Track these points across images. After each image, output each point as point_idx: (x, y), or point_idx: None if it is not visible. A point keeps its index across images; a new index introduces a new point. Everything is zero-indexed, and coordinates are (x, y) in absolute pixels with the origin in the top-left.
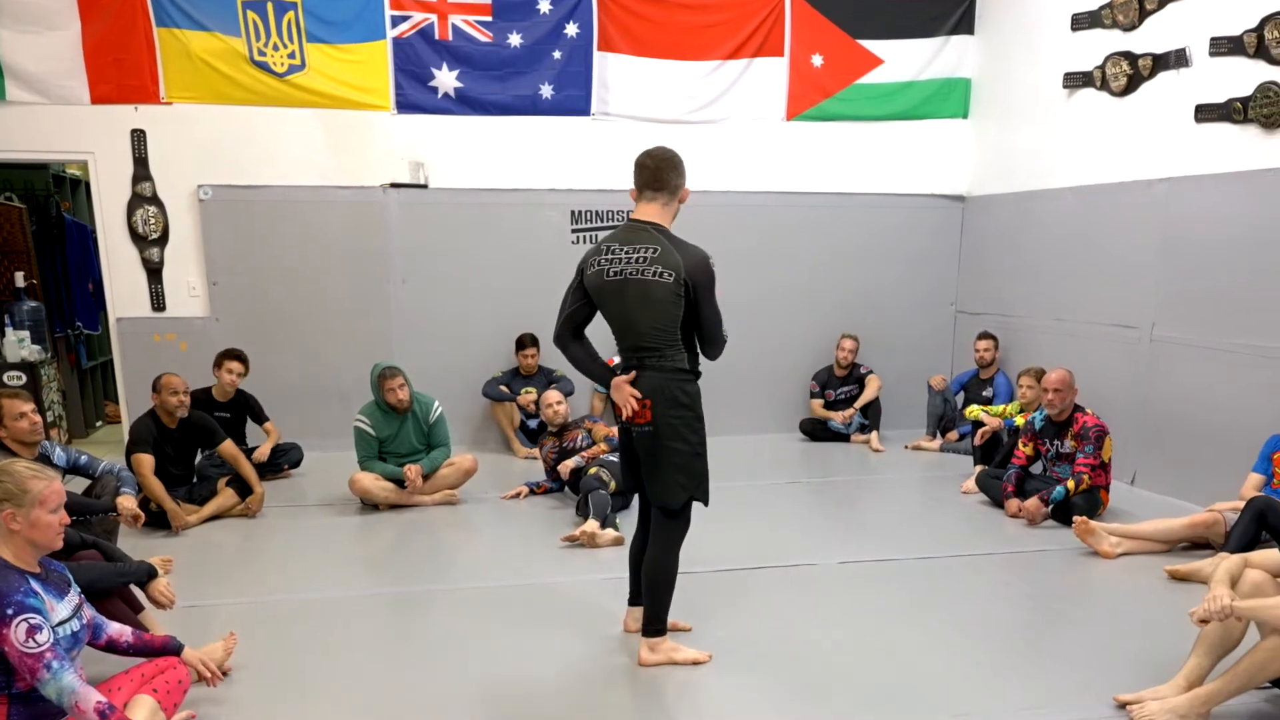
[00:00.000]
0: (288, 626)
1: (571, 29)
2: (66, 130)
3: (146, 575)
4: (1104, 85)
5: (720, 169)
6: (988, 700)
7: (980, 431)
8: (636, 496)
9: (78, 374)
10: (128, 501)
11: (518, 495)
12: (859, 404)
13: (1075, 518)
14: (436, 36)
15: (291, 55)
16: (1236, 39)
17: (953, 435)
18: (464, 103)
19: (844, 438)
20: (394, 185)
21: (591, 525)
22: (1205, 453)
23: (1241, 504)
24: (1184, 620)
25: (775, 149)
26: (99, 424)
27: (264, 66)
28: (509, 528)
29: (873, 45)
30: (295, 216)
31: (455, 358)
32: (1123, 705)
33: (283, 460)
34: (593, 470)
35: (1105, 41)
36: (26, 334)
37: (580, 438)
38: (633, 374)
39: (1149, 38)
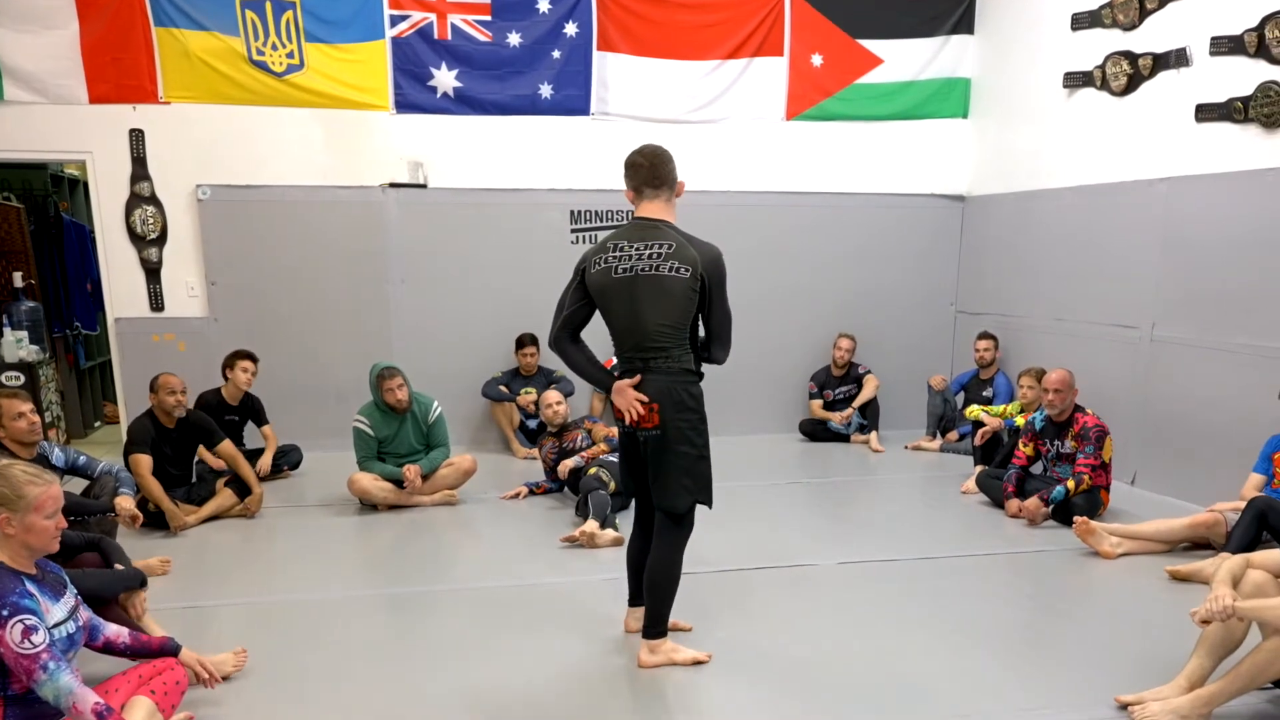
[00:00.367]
0: (287, 627)
1: (571, 28)
2: (65, 130)
3: (140, 583)
4: (1104, 85)
5: (720, 169)
6: (989, 701)
7: (980, 432)
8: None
9: (76, 374)
10: (126, 502)
11: (517, 495)
12: (857, 404)
13: (1076, 518)
14: (435, 36)
15: (290, 55)
16: (1237, 38)
17: (953, 435)
18: (463, 102)
19: (844, 438)
20: (393, 185)
21: (591, 525)
22: (1206, 453)
23: (1242, 504)
24: (1185, 620)
25: (775, 149)
26: (97, 424)
27: (262, 66)
28: (508, 528)
29: (872, 45)
30: (294, 216)
31: (454, 358)
32: (1124, 706)
33: (282, 462)
34: (592, 470)
35: (1105, 41)
36: (25, 334)
37: (580, 438)
38: (637, 378)
39: (1149, 37)
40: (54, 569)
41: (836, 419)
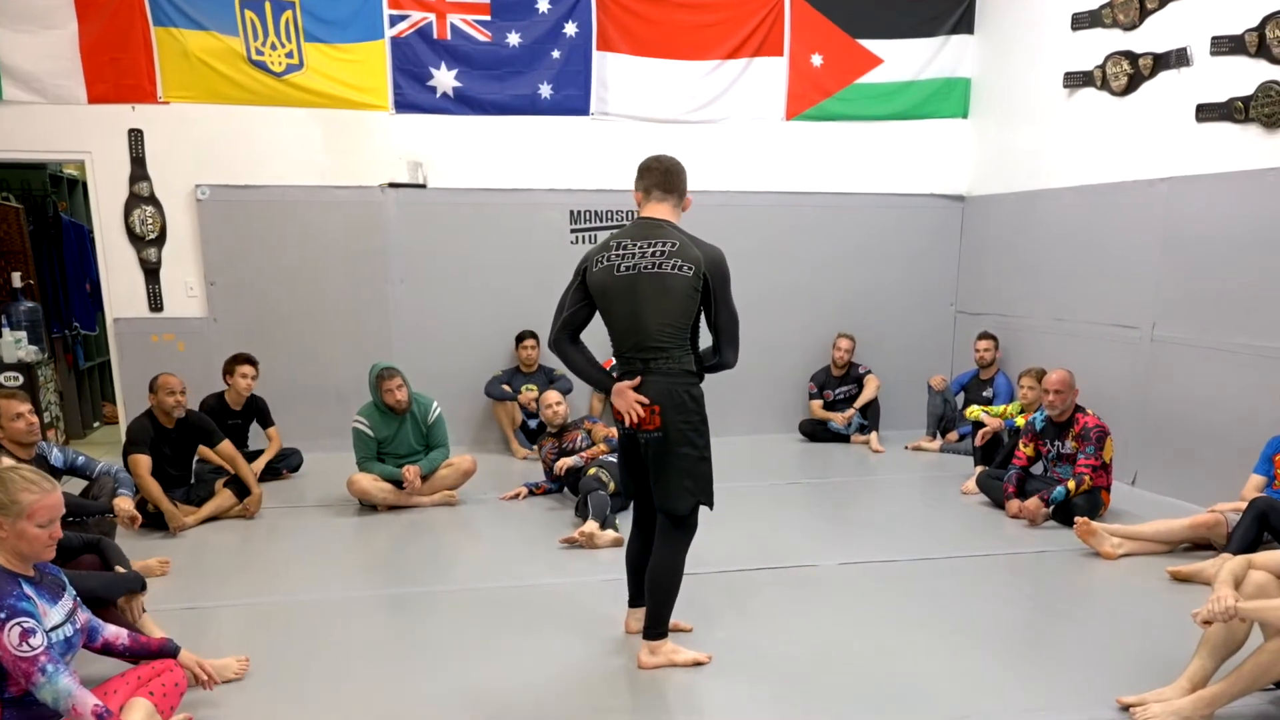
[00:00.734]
0: (286, 628)
1: (570, 28)
2: (63, 130)
3: (140, 586)
4: (1104, 85)
5: (719, 169)
6: (990, 702)
7: (981, 432)
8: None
9: (75, 374)
10: (124, 503)
11: (517, 496)
12: (858, 404)
13: (1076, 519)
14: (435, 36)
15: (289, 55)
16: (1238, 38)
17: (953, 436)
18: (462, 102)
19: (844, 438)
20: (392, 185)
21: (591, 526)
22: (1206, 453)
23: (1243, 505)
24: (1186, 621)
25: (775, 149)
26: (96, 424)
27: (262, 66)
28: (508, 529)
29: (872, 45)
30: (293, 216)
31: (454, 358)
32: (1126, 707)
33: (282, 465)
34: (592, 471)
35: (1106, 41)
36: (24, 334)
37: (579, 438)
38: (637, 379)
39: (1150, 37)
40: (52, 571)
41: (837, 419)
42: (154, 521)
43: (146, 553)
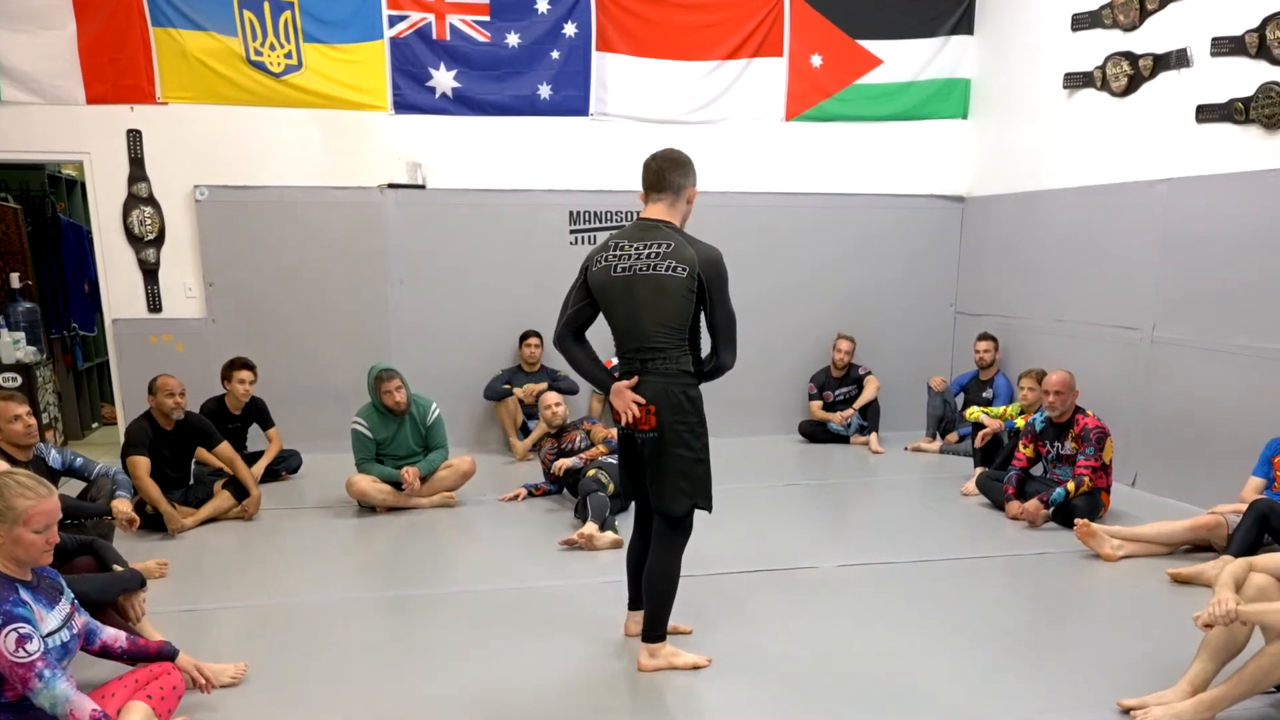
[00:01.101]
0: (285, 631)
1: (570, 29)
2: (62, 130)
3: (139, 584)
4: (1104, 85)
5: (719, 169)
6: (990, 705)
7: (981, 434)
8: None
9: (74, 375)
10: (122, 505)
11: (516, 497)
12: (857, 405)
13: (1076, 520)
14: (434, 36)
15: (288, 55)
16: (1238, 39)
17: (952, 437)
18: (462, 103)
19: (843, 439)
20: (391, 186)
21: (590, 528)
22: (1206, 454)
23: (1244, 507)
24: (1187, 624)
25: (774, 149)
26: (95, 425)
27: (260, 66)
28: (507, 530)
29: (872, 45)
30: (292, 217)
31: (453, 359)
32: (1127, 711)
33: (281, 467)
34: (591, 472)
35: (1106, 41)
36: (22, 335)
37: (579, 439)
38: (635, 379)
39: (1150, 38)
40: (50, 575)
41: (836, 419)
42: (152, 523)
43: (145, 554)
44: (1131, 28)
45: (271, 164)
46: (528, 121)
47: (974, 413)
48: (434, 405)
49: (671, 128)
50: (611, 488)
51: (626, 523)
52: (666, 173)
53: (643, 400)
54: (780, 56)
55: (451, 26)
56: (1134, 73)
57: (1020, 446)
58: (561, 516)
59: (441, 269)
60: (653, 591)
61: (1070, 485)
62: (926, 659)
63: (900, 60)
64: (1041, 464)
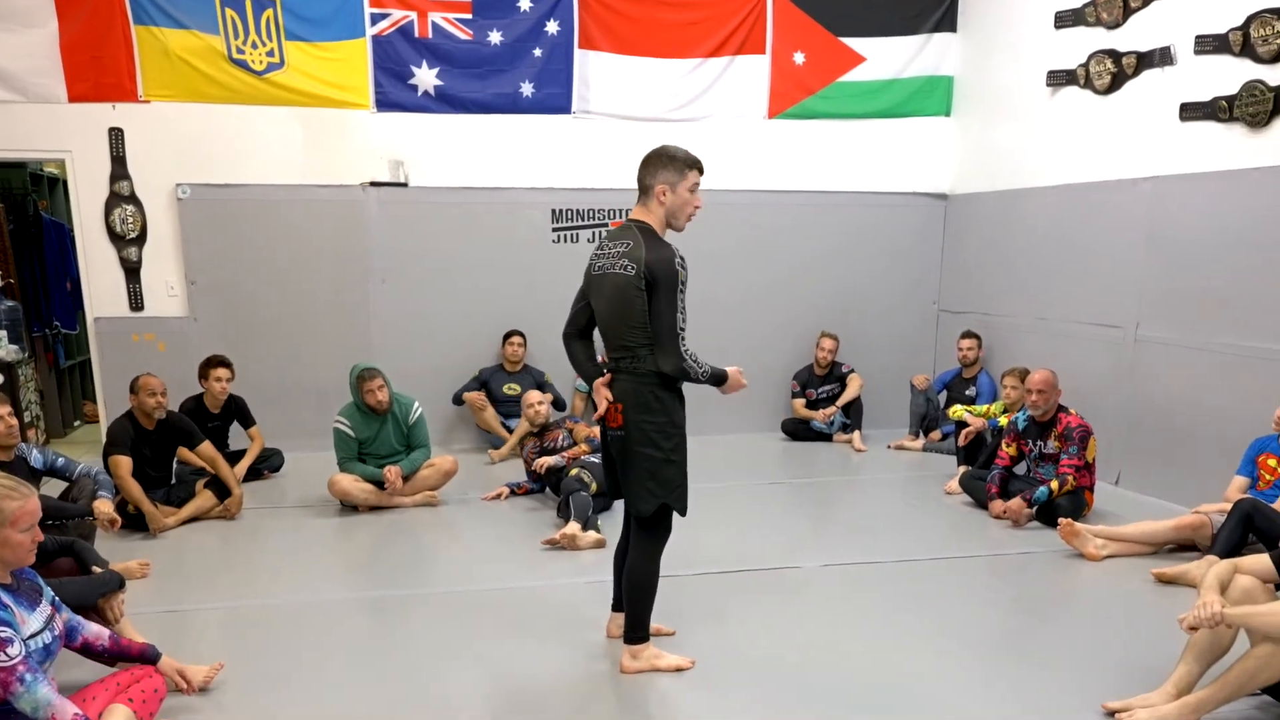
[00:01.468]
0: (266, 632)
1: (552, 26)
2: (44, 129)
3: (118, 586)
4: (1088, 83)
5: None
6: (974, 708)
7: (964, 432)
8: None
9: (56, 373)
10: (104, 506)
11: (498, 496)
12: (840, 403)
13: (1060, 520)
14: (416, 34)
15: (270, 53)
16: (1222, 37)
17: (935, 435)
18: (444, 101)
19: (826, 437)
20: (374, 184)
21: (573, 528)
22: (1190, 453)
23: (1228, 506)
24: (1172, 624)
25: (757, 147)
26: (77, 423)
27: (242, 65)
28: (490, 530)
29: (855, 43)
30: (274, 215)
31: (435, 358)
32: (1111, 713)
33: (263, 465)
34: (574, 471)
35: (1089, 39)
36: (4, 333)
37: (561, 438)
38: (609, 376)
39: (1133, 35)
40: (29, 576)
41: (819, 417)
42: (134, 523)
43: (127, 554)
44: (1115, 25)
45: (254, 162)
46: (510, 119)
47: (957, 411)
48: (416, 404)
49: (654, 125)
50: (594, 487)
51: (609, 522)
52: (641, 172)
53: (611, 397)
54: (763, 54)
55: (434, 24)
56: (1117, 70)
57: (1003, 445)
58: (544, 516)
59: (424, 267)
60: (632, 592)
61: (1054, 484)
62: (910, 660)
63: (883, 58)
64: (1025, 463)
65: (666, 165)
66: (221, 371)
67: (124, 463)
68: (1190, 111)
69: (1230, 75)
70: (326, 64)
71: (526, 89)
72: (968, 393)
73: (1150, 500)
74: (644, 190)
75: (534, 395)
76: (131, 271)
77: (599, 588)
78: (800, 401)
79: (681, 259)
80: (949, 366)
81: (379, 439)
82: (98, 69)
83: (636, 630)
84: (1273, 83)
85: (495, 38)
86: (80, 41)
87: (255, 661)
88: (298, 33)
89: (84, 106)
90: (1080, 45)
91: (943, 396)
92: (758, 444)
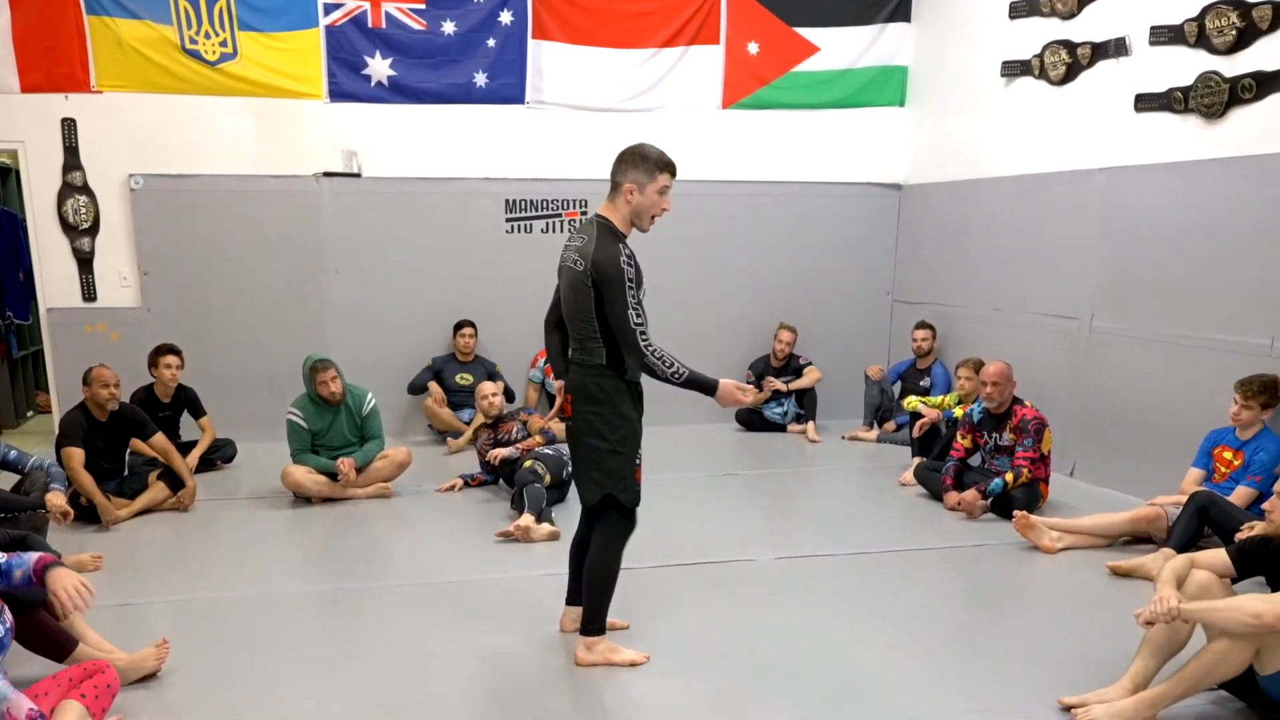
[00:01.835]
0: (219, 625)
1: (505, 17)
2: None
3: None
4: (1042, 74)
5: None
6: (928, 702)
7: (919, 423)
8: None
9: (8, 364)
10: (56, 498)
11: (452, 488)
12: (795, 385)
13: (1015, 512)
14: (369, 24)
15: (223, 43)
16: (1177, 28)
17: (890, 426)
18: (397, 91)
19: (780, 428)
20: (327, 174)
21: (527, 520)
22: (1145, 444)
23: (1183, 499)
24: (1127, 618)
25: (711, 137)
26: (30, 414)
27: (195, 55)
28: (443, 522)
29: (809, 33)
30: (227, 205)
31: (389, 348)
32: (1067, 708)
33: (216, 456)
34: (528, 463)
35: (1044, 30)
36: None
37: (515, 430)
38: (565, 369)
39: (1088, 26)
40: None
41: (767, 385)
42: (87, 515)
43: (80, 547)
44: (1070, 16)
45: (207, 153)
46: (463, 110)
47: (912, 402)
48: (369, 396)
49: (607, 116)
50: (548, 479)
51: (564, 514)
52: (613, 167)
53: (562, 387)
54: (717, 44)
55: (387, 14)
56: (1072, 61)
57: (958, 437)
58: (498, 507)
59: (377, 258)
60: (590, 583)
61: (1009, 477)
62: (865, 654)
63: (837, 48)
64: (980, 454)
65: (638, 165)
66: (171, 359)
67: (76, 454)
68: (1145, 103)
69: (1185, 66)
70: (279, 54)
71: (480, 79)
72: (922, 383)
73: (1105, 492)
74: (613, 186)
75: (488, 387)
76: (84, 262)
77: (553, 580)
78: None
79: (629, 256)
80: (903, 357)
81: (332, 430)
82: (50, 59)
83: (593, 623)
84: (1228, 74)
85: (449, 28)
86: (32, 31)
87: (208, 655)
88: (251, 23)
89: (36, 97)
90: (1035, 36)
91: (897, 387)
92: (712, 434)
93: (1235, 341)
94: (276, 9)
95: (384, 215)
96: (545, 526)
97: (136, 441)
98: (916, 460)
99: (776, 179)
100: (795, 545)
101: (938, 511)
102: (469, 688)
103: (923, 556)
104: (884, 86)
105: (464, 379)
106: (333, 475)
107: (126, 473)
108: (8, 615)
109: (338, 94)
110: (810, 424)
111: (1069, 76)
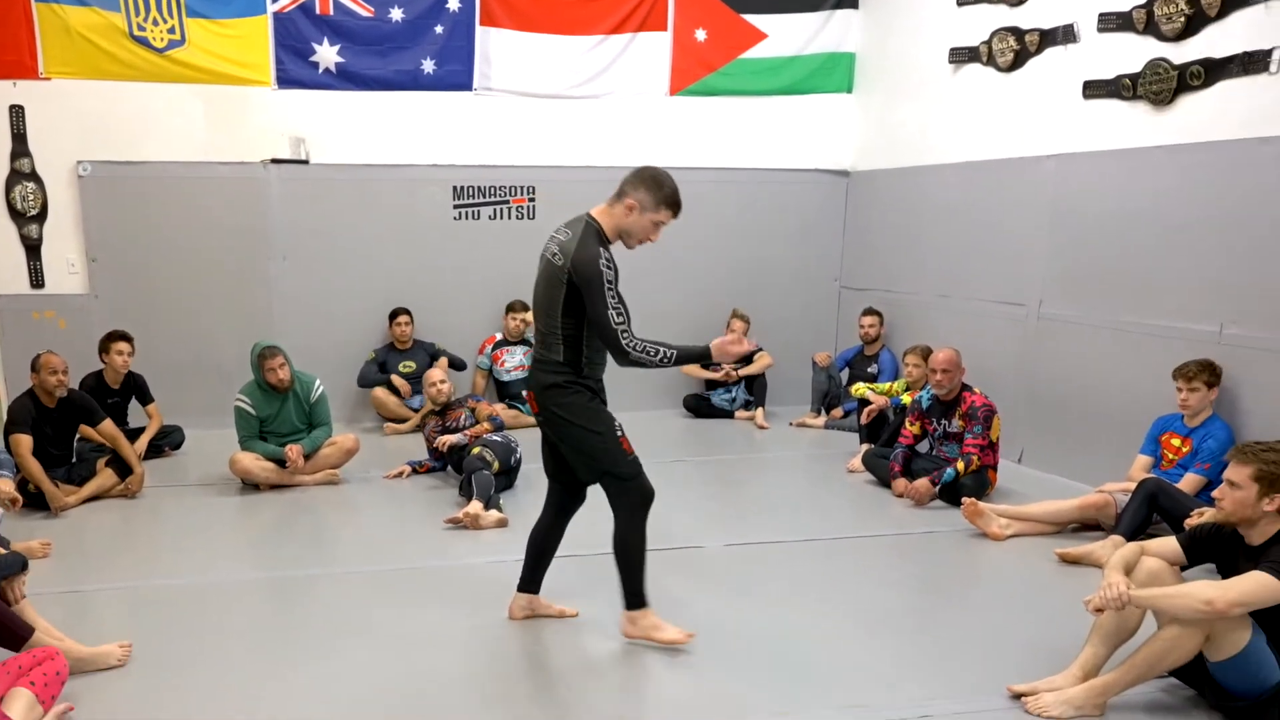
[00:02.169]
0: (168, 613)
1: (453, 3)
2: None
3: (21, 567)
4: (990, 60)
5: (603, 144)
6: (877, 689)
7: (867, 410)
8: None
9: None
10: (4, 485)
11: (400, 475)
12: (744, 371)
13: (964, 499)
14: (317, 11)
15: (171, 30)
16: (1126, 15)
17: (837, 412)
18: (345, 78)
19: (728, 414)
20: (274, 161)
21: (475, 507)
22: (1093, 431)
23: (1132, 486)
24: (1077, 606)
25: (659, 124)
26: None
27: (144, 42)
28: (392, 508)
29: (756, 19)
30: (175, 192)
31: (336, 335)
32: (1017, 696)
33: (164, 443)
34: (476, 450)
35: (992, 16)
36: None
37: (464, 416)
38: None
39: (1036, 13)
40: None
41: (719, 376)
42: (35, 502)
43: (28, 534)
44: (1017, 3)
45: (155, 139)
46: (411, 96)
47: (859, 389)
48: (317, 382)
49: (555, 102)
50: (496, 466)
51: (512, 501)
52: (628, 176)
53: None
54: (664, 31)
55: (335, 1)
56: (1020, 48)
57: (906, 424)
58: (446, 494)
59: (325, 245)
60: (619, 560)
61: (960, 465)
62: (814, 642)
63: (784, 34)
64: (928, 441)
65: (650, 189)
66: (123, 345)
67: (25, 441)
68: (1093, 89)
69: (1134, 53)
70: (227, 41)
71: (428, 66)
72: (870, 370)
73: (1053, 478)
74: (618, 194)
75: (435, 374)
76: (32, 249)
77: (501, 567)
78: (704, 373)
79: (608, 258)
80: (851, 344)
81: (280, 417)
82: None
83: (633, 597)
84: (1176, 61)
85: (396, 14)
86: None
87: (157, 642)
88: (199, 10)
89: None
90: (983, 22)
91: (845, 374)
92: (660, 421)
93: (1183, 329)
94: None
95: (332, 202)
96: (493, 513)
97: (85, 428)
98: (864, 447)
99: (724, 165)
100: (744, 532)
101: (886, 498)
102: (417, 674)
103: (872, 543)
104: (831, 73)
105: (407, 366)
106: (281, 462)
107: (75, 459)
108: None
109: (286, 81)
110: (759, 410)
111: (1017, 63)
